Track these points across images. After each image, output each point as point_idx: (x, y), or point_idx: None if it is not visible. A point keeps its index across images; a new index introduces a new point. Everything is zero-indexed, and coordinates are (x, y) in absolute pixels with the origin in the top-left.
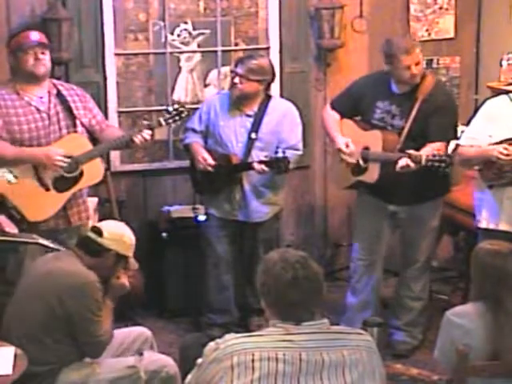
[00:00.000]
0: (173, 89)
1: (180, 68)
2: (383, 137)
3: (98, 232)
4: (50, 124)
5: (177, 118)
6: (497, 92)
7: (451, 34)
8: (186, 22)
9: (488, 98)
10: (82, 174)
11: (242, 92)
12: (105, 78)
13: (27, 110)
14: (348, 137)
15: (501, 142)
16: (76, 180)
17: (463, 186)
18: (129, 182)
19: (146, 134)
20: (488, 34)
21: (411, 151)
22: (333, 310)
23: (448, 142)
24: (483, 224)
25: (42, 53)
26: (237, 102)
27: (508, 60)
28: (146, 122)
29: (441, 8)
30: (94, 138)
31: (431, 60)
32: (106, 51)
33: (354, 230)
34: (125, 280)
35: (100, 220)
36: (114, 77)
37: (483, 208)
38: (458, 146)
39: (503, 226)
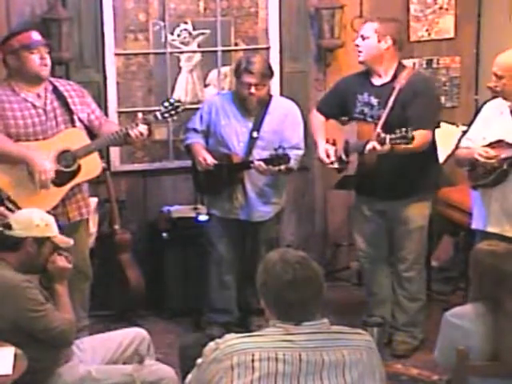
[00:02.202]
0: (173, 89)
1: (180, 68)
2: (358, 128)
3: (8, 226)
4: (47, 120)
5: (173, 112)
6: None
7: (451, 34)
8: (186, 22)
9: (488, 100)
10: (79, 168)
11: (260, 98)
12: (105, 78)
13: (23, 105)
14: (331, 136)
15: (490, 144)
16: (74, 174)
17: (463, 186)
18: (129, 182)
19: (142, 128)
20: (488, 34)
21: (379, 131)
22: (333, 310)
23: (429, 130)
24: (473, 225)
25: (46, 52)
26: (254, 109)
27: None
28: (141, 116)
29: (441, 8)
30: (92, 134)
31: (431, 60)
32: (106, 51)
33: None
34: (61, 262)
35: (100, 220)
36: (113, 77)
37: (474, 209)
38: (457, 148)
39: (491, 229)
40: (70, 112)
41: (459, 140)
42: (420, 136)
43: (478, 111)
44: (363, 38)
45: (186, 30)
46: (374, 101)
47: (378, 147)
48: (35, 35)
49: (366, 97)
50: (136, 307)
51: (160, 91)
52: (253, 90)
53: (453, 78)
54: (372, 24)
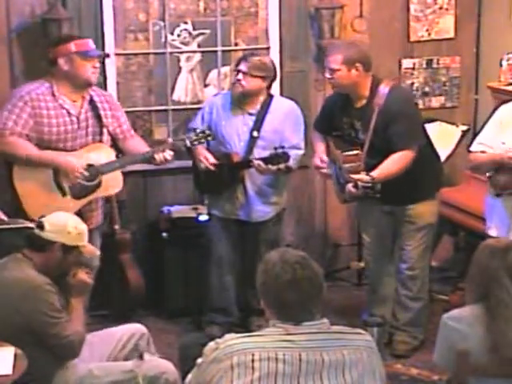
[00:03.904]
0: (173, 89)
1: (180, 68)
2: (343, 158)
3: (41, 226)
4: (79, 129)
5: (202, 140)
6: (498, 92)
7: (451, 34)
8: (186, 22)
9: (502, 103)
10: (100, 183)
11: (245, 89)
12: (105, 78)
13: (59, 112)
14: (333, 155)
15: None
16: (93, 189)
17: (463, 186)
18: (129, 182)
19: (168, 154)
20: (488, 34)
21: (354, 176)
22: (333, 310)
23: (411, 150)
24: (493, 232)
25: (98, 61)
26: (239, 101)
27: (508, 60)
28: (171, 142)
29: (441, 8)
30: (116, 146)
31: (431, 60)
32: (105, 51)
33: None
34: (83, 275)
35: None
36: (114, 77)
37: (494, 215)
38: (469, 152)
39: None
40: (101, 125)
41: (463, 141)
42: (400, 158)
43: (491, 114)
44: (332, 70)
45: (186, 30)
46: (358, 124)
47: (353, 191)
48: (92, 44)
49: (350, 120)
50: (136, 307)
51: (160, 91)
52: (240, 76)
53: (453, 78)
54: (337, 56)
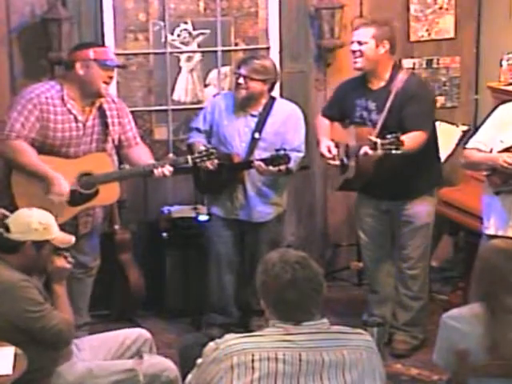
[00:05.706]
0: (173, 89)
1: (180, 68)
2: (356, 131)
3: (6, 228)
4: (84, 135)
5: (205, 158)
6: (498, 92)
7: (451, 34)
8: (186, 22)
9: (501, 103)
10: (97, 192)
11: (248, 92)
12: None
13: (66, 117)
14: (336, 138)
15: (508, 149)
16: (89, 197)
17: (463, 186)
18: (129, 182)
19: (167, 170)
20: (488, 34)
21: (370, 137)
22: (333, 310)
23: (424, 131)
24: (491, 231)
25: (113, 72)
26: (242, 103)
27: (508, 60)
28: (172, 157)
29: (441, 8)
30: (118, 153)
31: (431, 60)
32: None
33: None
34: (59, 262)
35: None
36: (114, 77)
37: (492, 214)
38: (464, 148)
39: None
40: (107, 133)
41: (463, 141)
42: (413, 137)
43: (489, 114)
44: (360, 43)
45: (186, 30)
46: (372, 105)
47: (370, 152)
48: (111, 53)
49: (364, 101)
50: (136, 307)
51: (160, 91)
52: (241, 80)
53: (453, 78)
54: (368, 29)
